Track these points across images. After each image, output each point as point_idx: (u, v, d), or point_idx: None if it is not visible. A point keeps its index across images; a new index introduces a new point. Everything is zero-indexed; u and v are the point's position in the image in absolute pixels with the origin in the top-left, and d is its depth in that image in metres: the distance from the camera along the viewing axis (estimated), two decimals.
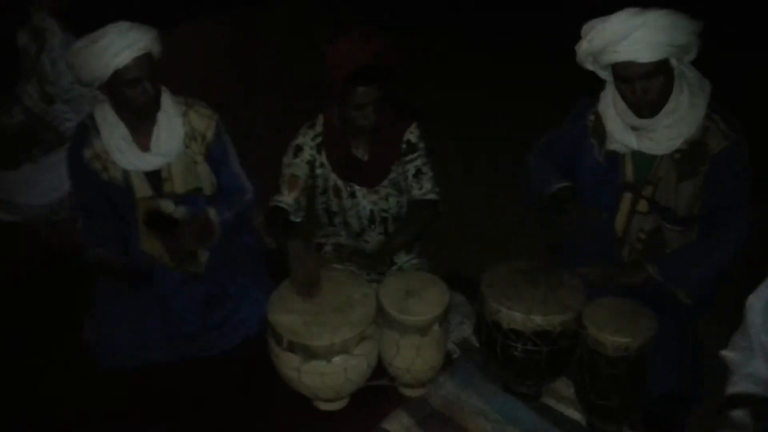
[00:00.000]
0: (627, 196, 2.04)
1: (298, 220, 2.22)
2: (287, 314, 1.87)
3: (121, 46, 1.94)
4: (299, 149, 2.24)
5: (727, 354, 1.64)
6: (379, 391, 2.08)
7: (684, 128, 1.88)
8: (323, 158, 2.24)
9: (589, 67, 1.95)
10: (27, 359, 2.30)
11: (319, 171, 2.27)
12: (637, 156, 1.98)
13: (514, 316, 1.88)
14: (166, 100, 2.15)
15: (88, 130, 2.16)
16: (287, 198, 2.21)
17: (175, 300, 2.24)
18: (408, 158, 2.23)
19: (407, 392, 2.10)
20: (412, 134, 2.22)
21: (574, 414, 2.05)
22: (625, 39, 1.75)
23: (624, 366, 1.83)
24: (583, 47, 1.87)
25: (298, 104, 4.43)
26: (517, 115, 4.33)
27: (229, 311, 2.25)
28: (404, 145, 2.22)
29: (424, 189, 2.23)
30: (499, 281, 2.01)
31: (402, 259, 2.36)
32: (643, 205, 2.03)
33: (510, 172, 3.45)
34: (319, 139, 2.23)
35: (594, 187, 2.07)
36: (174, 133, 2.17)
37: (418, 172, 2.23)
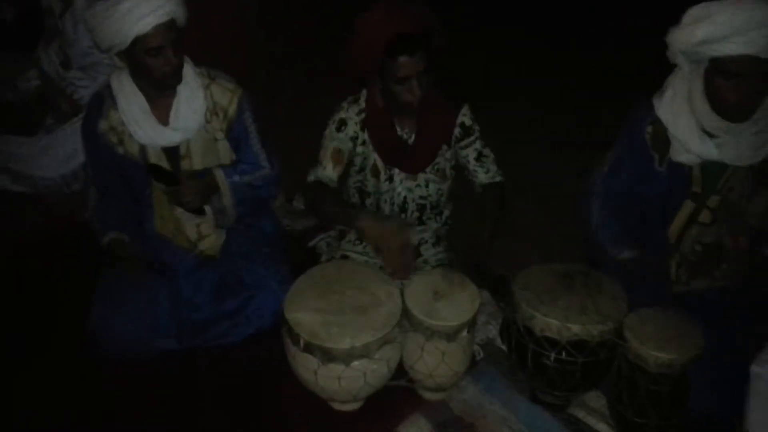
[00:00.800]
0: (689, 204, 1.88)
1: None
2: (306, 312, 1.74)
3: (145, 10, 1.81)
4: (343, 123, 2.10)
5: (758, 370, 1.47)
6: (396, 392, 1.96)
7: None
8: (366, 135, 2.10)
9: (680, 60, 1.76)
10: (28, 341, 2.20)
11: (359, 149, 2.13)
12: (708, 165, 1.80)
13: (550, 323, 1.75)
14: (188, 71, 2.02)
15: (103, 100, 2.04)
16: (331, 173, 2.09)
17: (186, 285, 2.13)
18: (465, 142, 2.10)
19: (427, 395, 1.99)
20: (465, 116, 2.10)
21: (605, 428, 1.93)
22: (756, 30, 1.56)
23: (666, 383, 1.70)
24: (696, 34, 1.64)
25: (325, 81, 4.31)
26: (553, 97, 4.17)
27: (243, 301, 2.14)
28: (458, 129, 2.09)
29: (491, 172, 2.13)
30: (534, 284, 1.87)
31: (429, 252, 2.22)
32: (705, 216, 1.86)
33: (543, 164, 3.33)
34: (363, 115, 2.10)
35: (656, 199, 1.92)
36: (195, 107, 2.05)
37: (480, 156, 2.12)
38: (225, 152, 2.15)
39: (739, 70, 1.62)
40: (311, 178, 2.11)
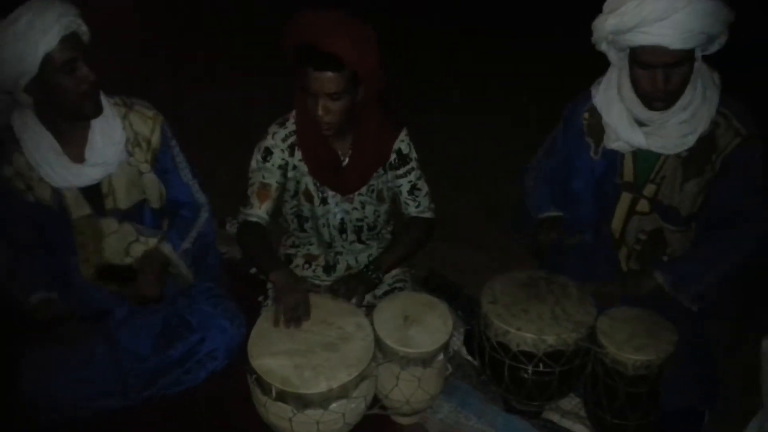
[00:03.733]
0: (626, 196, 1.90)
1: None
2: (273, 357, 1.61)
3: (49, 20, 1.59)
4: (269, 152, 1.95)
5: None
6: (370, 420, 1.86)
7: (697, 124, 1.73)
8: (296, 160, 1.97)
9: (603, 47, 1.76)
10: None
11: (291, 174, 1.99)
12: (640, 154, 1.82)
13: (525, 338, 1.71)
14: (102, 101, 1.81)
15: (3, 144, 1.78)
16: (259, 211, 1.94)
17: (124, 334, 1.93)
18: (401, 171, 2.00)
19: (402, 420, 1.91)
20: (402, 143, 1.98)
21: (581, 429, 1.94)
22: (663, 20, 1.56)
23: (644, 384, 1.71)
24: (610, 22, 1.65)
25: (246, 94, 4.11)
26: (498, 109, 4.18)
27: (192, 344, 1.96)
28: (394, 155, 1.98)
29: (422, 206, 2.04)
30: (501, 297, 1.83)
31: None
32: (643, 206, 1.88)
33: (486, 169, 3.31)
34: (291, 140, 1.95)
35: (590, 188, 1.93)
36: (113, 138, 1.84)
37: (413, 188, 2.02)
38: (152, 186, 1.96)
39: (651, 60, 1.63)
40: (240, 218, 1.98)
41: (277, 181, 1.95)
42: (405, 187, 2.02)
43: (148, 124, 1.91)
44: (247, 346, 1.65)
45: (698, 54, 1.67)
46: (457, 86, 4.59)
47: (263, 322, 1.74)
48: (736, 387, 1.96)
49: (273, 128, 1.97)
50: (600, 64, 1.86)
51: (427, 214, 2.05)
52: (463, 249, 2.71)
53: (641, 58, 1.66)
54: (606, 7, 1.70)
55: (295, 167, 1.98)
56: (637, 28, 1.60)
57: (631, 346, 1.68)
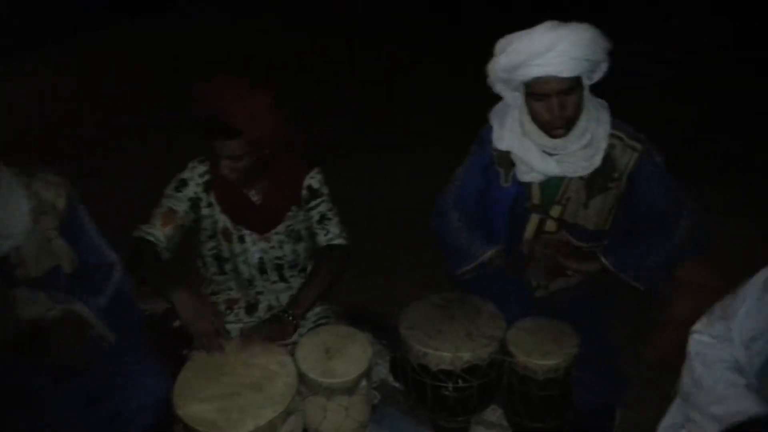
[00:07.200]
0: (535, 218, 2.03)
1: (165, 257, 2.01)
2: (199, 404, 1.63)
3: None
4: (184, 183, 2.02)
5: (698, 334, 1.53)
6: None
7: (599, 145, 1.88)
8: (212, 198, 2.03)
9: (499, 88, 1.90)
10: None
11: (206, 211, 2.06)
12: (545, 179, 1.96)
13: (443, 357, 1.81)
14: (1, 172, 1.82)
15: None
16: (158, 231, 1.99)
17: (49, 403, 1.89)
18: (311, 204, 2.08)
19: None
20: (313, 179, 2.08)
21: None
22: (550, 51, 1.71)
23: (555, 387, 1.83)
24: (501, 62, 1.80)
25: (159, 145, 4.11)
26: (404, 135, 4.35)
27: (119, 405, 1.94)
28: (305, 192, 2.07)
29: (331, 234, 2.09)
30: (418, 321, 1.92)
31: None
32: (551, 226, 2.03)
33: (408, 196, 3.42)
34: (207, 177, 2.03)
35: (503, 212, 2.04)
36: (16, 209, 1.83)
37: (323, 218, 2.09)
38: (62, 251, 1.95)
39: (545, 89, 1.78)
40: (137, 233, 2.00)
41: (184, 211, 2.01)
42: (315, 218, 2.09)
43: (52, 191, 1.91)
44: (172, 396, 1.67)
45: (585, 82, 1.83)
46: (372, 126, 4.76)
47: (186, 372, 1.76)
48: (642, 380, 2.12)
49: (193, 163, 2.05)
50: None
51: (339, 241, 2.09)
52: (384, 281, 2.80)
53: (536, 90, 1.80)
54: (497, 49, 1.84)
55: (210, 204, 2.05)
56: (528, 61, 1.75)
57: (538, 352, 1.80)
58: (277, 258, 2.14)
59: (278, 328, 1.92)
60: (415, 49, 6.10)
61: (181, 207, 2.02)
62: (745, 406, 1.36)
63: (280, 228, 2.10)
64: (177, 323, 2.29)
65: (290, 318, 1.94)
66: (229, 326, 2.11)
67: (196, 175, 2.04)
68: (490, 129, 2.02)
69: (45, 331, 1.89)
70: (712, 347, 1.47)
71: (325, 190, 2.10)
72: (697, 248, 1.97)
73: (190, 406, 1.63)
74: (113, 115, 5.08)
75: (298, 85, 5.25)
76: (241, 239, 2.09)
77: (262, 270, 2.15)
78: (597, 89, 1.91)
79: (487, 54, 1.88)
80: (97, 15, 6.92)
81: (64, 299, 1.94)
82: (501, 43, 1.84)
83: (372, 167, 3.91)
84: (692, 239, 1.93)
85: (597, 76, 1.85)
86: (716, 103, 4.75)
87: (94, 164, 4.07)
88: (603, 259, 1.94)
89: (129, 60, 6.43)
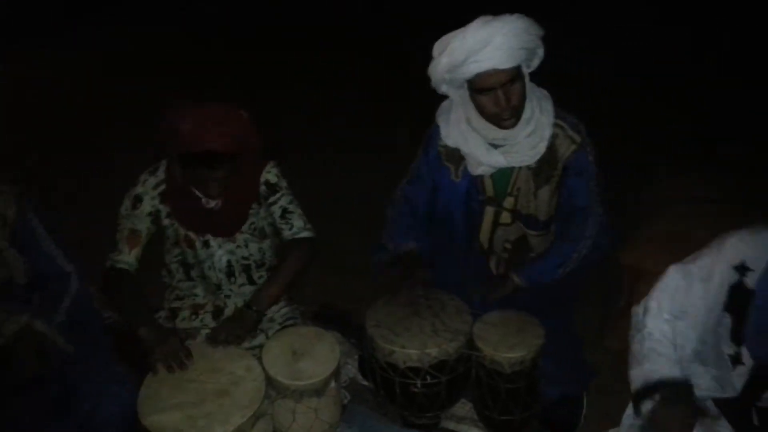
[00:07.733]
0: (489, 210, 2.06)
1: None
2: (165, 413, 1.61)
3: None
4: (139, 199, 1.98)
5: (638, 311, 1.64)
6: None
7: (542, 133, 1.92)
8: (169, 208, 2.00)
9: (444, 88, 1.92)
10: None
11: (166, 222, 2.03)
12: (496, 171, 1.99)
13: (410, 354, 1.82)
14: None
15: None
16: (128, 257, 1.97)
17: (12, 420, 1.85)
18: (271, 200, 2.06)
19: None
20: (269, 174, 2.06)
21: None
22: (487, 46, 1.73)
23: (522, 380, 1.85)
24: (442, 63, 1.82)
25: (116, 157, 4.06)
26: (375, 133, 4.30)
27: (85, 414, 1.91)
28: (263, 187, 2.05)
29: (295, 228, 2.07)
30: (384, 319, 1.93)
31: (272, 309, 2.17)
32: (506, 217, 2.05)
33: (366, 196, 3.41)
34: (161, 188, 2.00)
35: (458, 207, 2.07)
36: None
37: (285, 212, 2.07)
38: (15, 262, 1.91)
39: (489, 83, 1.81)
40: (108, 264, 1.98)
41: (147, 228, 1.99)
42: (277, 213, 2.07)
43: (2, 199, 1.87)
44: (137, 405, 1.65)
45: (525, 71, 1.87)
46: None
47: (151, 380, 1.74)
48: (608, 369, 2.15)
49: (144, 176, 2.01)
50: None
51: (304, 234, 2.08)
52: (351, 278, 2.79)
53: (479, 85, 1.82)
54: (435, 51, 1.87)
55: (169, 214, 2.02)
56: (468, 59, 1.77)
57: (504, 345, 1.82)
58: (244, 258, 2.12)
59: (241, 324, 1.91)
60: (414, 49, 6.05)
61: (143, 225, 1.99)
62: (664, 368, 1.49)
63: (245, 227, 2.08)
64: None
65: (254, 312, 1.94)
66: (194, 332, 2.09)
67: (149, 188, 2.00)
68: (436, 127, 2.05)
69: (2, 345, 1.85)
70: (644, 321, 1.58)
71: (283, 183, 2.08)
72: (600, 252, 2.02)
73: (156, 415, 1.61)
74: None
75: (298, 86, 5.27)
76: (206, 244, 2.07)
77: (230, 273, 2.13)
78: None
79: None
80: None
81: (19, 311, 1.90)
82: (438, 45, 1.87)
83: (372, 167, 3.87)
84: (595, 243, 1.98)
85: (535, 63, 1.89)
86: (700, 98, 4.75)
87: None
88: (515, 279, 1.99)
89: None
